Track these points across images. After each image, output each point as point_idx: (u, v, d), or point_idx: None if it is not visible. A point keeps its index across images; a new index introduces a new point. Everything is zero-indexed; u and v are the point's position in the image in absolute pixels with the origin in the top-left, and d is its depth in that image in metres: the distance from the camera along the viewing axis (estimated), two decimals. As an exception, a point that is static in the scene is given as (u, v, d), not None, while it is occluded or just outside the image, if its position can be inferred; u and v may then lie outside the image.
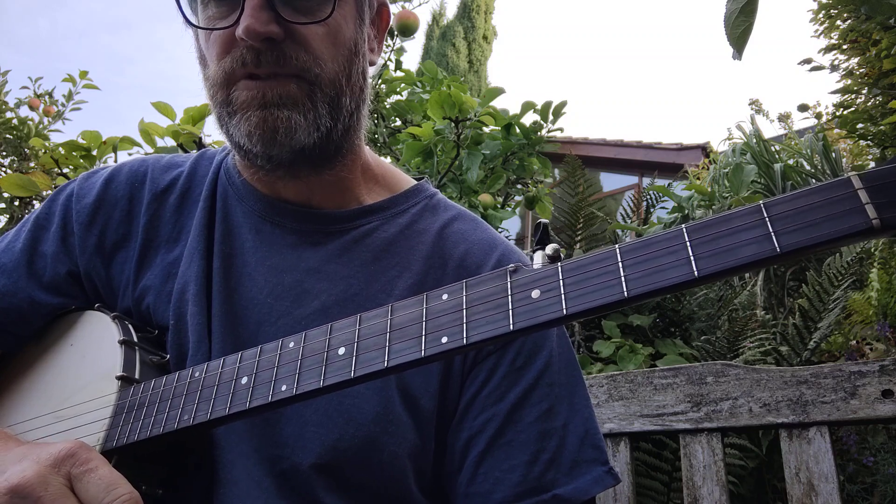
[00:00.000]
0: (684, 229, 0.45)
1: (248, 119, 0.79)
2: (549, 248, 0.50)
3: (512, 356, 0.83)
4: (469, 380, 0.84)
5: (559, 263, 0.49)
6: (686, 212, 3.66)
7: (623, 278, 0.48)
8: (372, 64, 0.91)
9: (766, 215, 0.43)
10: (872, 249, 3.24)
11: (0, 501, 0.59)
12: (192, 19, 0.83)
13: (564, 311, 0.47)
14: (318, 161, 0.85)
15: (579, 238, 2.87)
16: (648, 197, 4.54)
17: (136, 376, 0.77)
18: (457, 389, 0.84)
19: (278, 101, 0.78)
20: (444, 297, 0.54)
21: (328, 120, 0.82)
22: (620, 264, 0.48)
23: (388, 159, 3.33)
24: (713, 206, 3.58)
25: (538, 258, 0.51)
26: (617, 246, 0.49)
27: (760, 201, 0.43)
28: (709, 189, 3.90)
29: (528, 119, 2.89)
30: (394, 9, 3.07)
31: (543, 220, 0.56)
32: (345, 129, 0.86)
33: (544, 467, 0.79)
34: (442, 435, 0.84)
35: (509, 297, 0.50)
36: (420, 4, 3.05)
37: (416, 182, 0.99)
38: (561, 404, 0.83)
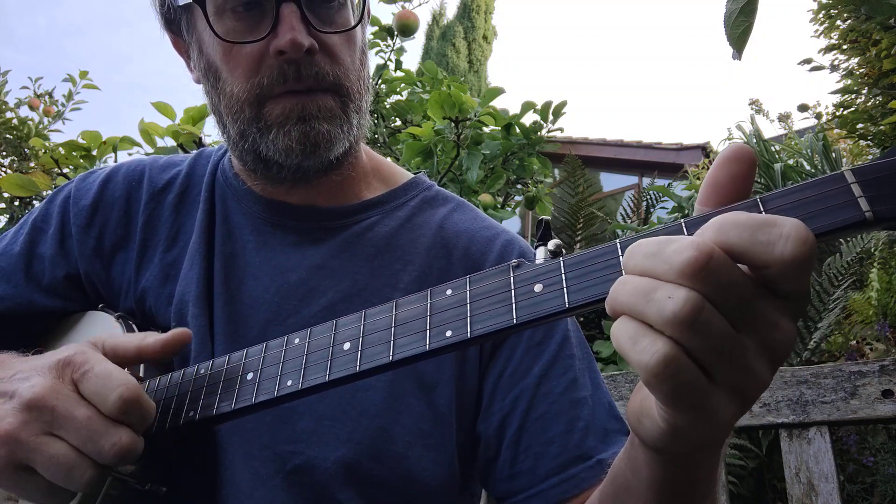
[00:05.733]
0: (683, 224, 0.45)
1: (287, 133, 0.78)
2: (551, 244, 0.51)
3: (529, 333, 0.84)
4: (491, 366, 0.84)
5: (561, 258, 0.50)
6: (686, 212, 3.67)
7: (624, 273, 0.48)
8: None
9: (762, 209, 0.43)
10: (872, 249, 3.25)
11: (20, 417, 0.61)
12: (206, 34, 0.80)
13: (567, 303, 0.48)
14: (333, 166, 0.85)
15: (579, 238, 2.88)
16: (648, 197, 4.56)
17: (140, 374, 0.78)
18: (475, 379, 0.84)
19: (317, 113, 0.78)
20: (448, 292, 0.55)
21: (356, 129, 0.84)
22: (621, 258, 0.48)
23: (389, 159, 3.32)
24: (713, 206, 3.59)
25: (540, 253, 0.51)
26: (618, 240, 0.49)
27: (757, 196, 0.44)
28: (709, 189, 3.90)
29: (528, 119, 2.90)
30: (394, 9, 3.08)
31: (545, 217, 0.57)
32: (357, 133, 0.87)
33: (581, 435, 0.79)
34: (469, 428, 0.84)
35: (512, 291, 0.51)
36: (420, 4, 3.05)
37: (413, 175, 0.99)
38: (583, 376, 0.84)
